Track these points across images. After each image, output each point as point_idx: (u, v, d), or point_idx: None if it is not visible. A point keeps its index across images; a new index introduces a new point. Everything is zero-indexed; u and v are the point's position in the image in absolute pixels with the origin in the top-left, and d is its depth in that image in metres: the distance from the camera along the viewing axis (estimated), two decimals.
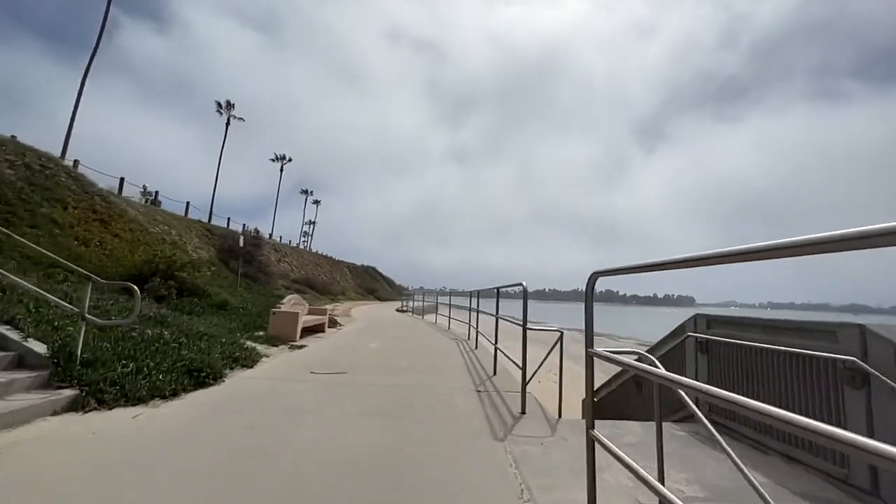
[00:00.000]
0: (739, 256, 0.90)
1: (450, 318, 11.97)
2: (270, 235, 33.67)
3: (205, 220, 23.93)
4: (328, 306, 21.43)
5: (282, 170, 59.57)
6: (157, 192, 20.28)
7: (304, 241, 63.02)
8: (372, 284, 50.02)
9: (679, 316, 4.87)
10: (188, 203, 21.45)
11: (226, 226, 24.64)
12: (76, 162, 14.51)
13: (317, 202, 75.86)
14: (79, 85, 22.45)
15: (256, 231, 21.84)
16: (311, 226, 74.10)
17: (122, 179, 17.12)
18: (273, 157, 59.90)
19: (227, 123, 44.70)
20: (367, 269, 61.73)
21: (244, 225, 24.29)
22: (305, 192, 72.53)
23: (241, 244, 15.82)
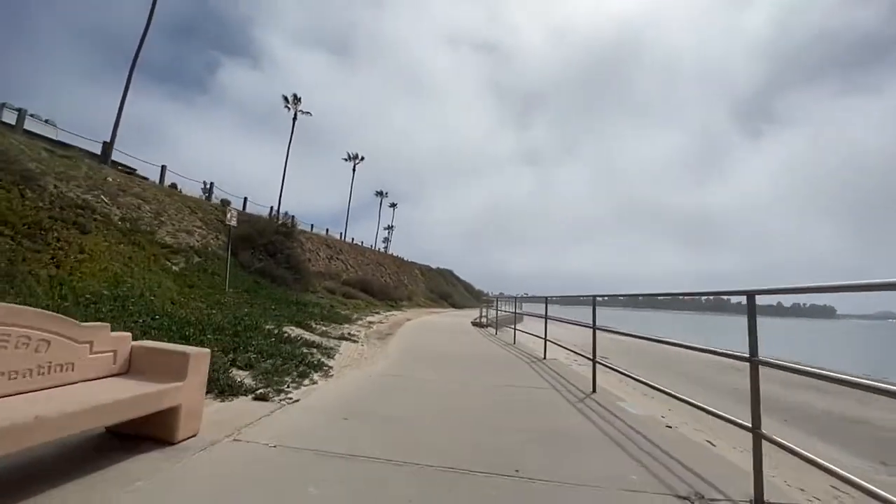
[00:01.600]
0: None
1: (595, 361, 4.67)
2: (327, 232, 29.13)
3: (247, 208, 19.70)
4: (374, 317, 15.12)
5: (354, 169, 57.69)
6: (163, 167, 16.09)
7: (384, 247, 60.62)
8: (446, 289, 43.88)
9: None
10: (208, 184, 17.11)
11: (268, 214, 19.96)
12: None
13: (393, 205, 73.59)
14: (124, 85, 19.41)
15: (286, 216, 16.81)
16: (389, 230, 71.93)
17: (104, 143, 12.92)
18: (346, 156, 58.30)
19: (294, 118, 42.69)
20: (441, 272, 56.07)
21: (274, 209, 19.30)
22: (380, 193, 70.47)
23: (233, 223, 10.32)
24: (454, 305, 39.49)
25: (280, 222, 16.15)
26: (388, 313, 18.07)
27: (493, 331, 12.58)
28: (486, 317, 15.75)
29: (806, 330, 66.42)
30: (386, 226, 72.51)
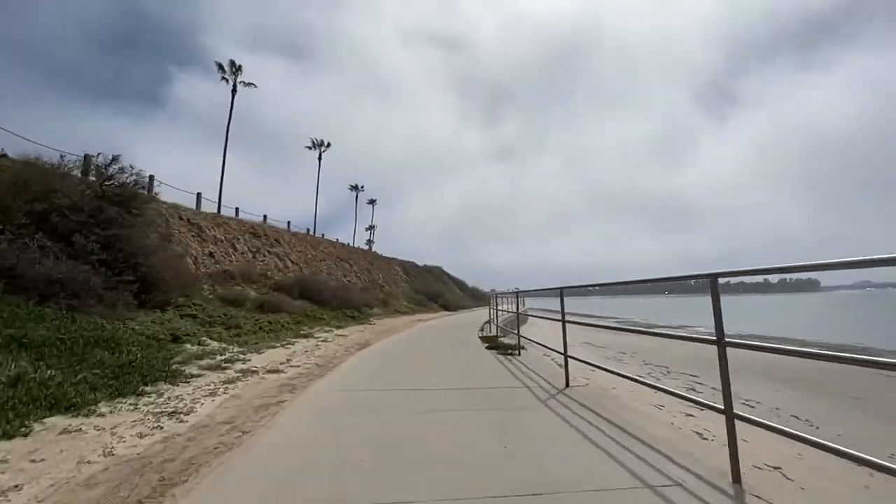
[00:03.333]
0: None
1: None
2: (265, 220, 21.22)
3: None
4: (281, 353, 6.52)
5: (320, 158, 50.00)
6: None
7: (367, 249, 53.42)
8: (435, 288, 36.31)
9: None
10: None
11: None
12: None
13: (372, 202, 65.90)
14: None
15: (113, 161, 8.36)
16: (371, 231, 64.42)
17: None
18: (310, 144, 50.45)
19: (234, 91, 34.49)
20: (430, 269, 48.45)
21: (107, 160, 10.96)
22: (355, 187, 62.66)
23: None
24: (446, 307, 32.02)
25: (103, 180, 8.26)
26: (331, 333, 10.45)
27: (544, 363, 5.14)
28: (515, 330, 8.26)
29: (795, 305, 60.23)
30: (367, 226, 64.92)
